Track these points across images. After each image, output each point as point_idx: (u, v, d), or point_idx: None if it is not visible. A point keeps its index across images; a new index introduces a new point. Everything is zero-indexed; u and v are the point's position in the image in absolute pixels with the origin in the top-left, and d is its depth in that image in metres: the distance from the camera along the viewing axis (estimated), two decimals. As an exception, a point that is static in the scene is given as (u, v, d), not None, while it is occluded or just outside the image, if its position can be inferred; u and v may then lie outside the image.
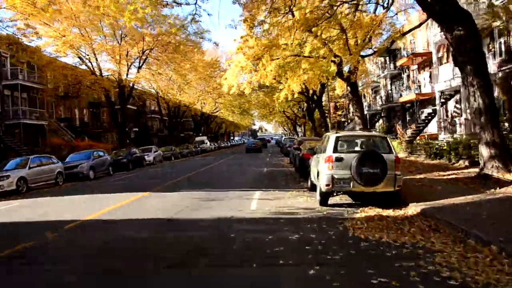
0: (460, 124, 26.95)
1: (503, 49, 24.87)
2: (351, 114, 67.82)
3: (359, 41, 21.62)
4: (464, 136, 23.09)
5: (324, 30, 21.16)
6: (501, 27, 22.03)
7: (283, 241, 7.36)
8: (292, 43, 19.63)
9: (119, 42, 40.72)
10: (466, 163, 16.98)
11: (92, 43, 38.13)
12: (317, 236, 7.63)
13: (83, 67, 40.84)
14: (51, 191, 18.58)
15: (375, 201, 10.69)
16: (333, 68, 24.41)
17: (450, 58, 31.64)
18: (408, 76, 42.62)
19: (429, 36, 35.73)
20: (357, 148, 11.28)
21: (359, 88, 36.01)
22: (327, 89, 44.69)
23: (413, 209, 9.79)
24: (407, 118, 43.49)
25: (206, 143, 68.23)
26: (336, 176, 10.16)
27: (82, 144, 38.21)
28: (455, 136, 25.32)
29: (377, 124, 53.24)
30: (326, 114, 48.07)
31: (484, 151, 12.54)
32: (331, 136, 10.85)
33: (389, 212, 9.69)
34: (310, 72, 24.97)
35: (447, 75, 28.53)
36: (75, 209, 12.37)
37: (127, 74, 42.21)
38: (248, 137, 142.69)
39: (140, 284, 5.64)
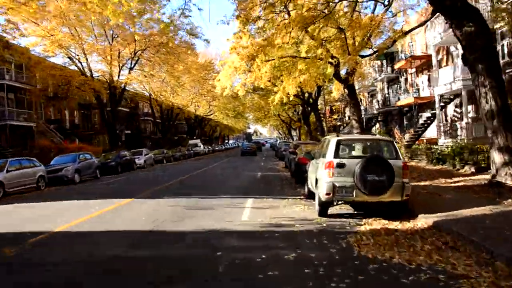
0: (461, 128, 25.98)
1: (505, 51, 24.02)
2: (347, 118, 67.16)
3: (357, 42, 20.69)
4: (466, 141, 22.19)
5: (321, 29, 20.25)
6: (505, 29, 21.17)
7: (278, 262, 6.28)
8: (288, 42, 18.61)
9: (110, 43, 39.57)
10: (472, 169, 16.00)
11: (82, 43, 36.99)
12: (317, 255, 6.56)
13: (74, 68, 39.65)
14: (30, 197, 17.40)
15: (379, 211, 9.67)
16: (330, 70, 23.48)
17: (450, 61, 30.86)
18: (406, 79, 41.74)
19: (428, 39, 34.88)
20: (361, 153, 10.22)
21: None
22: (323, 92, 43.75)
23: (423, 221, 8.76)
24: (405, 122, 42.59)
25: (200, 146, 67.18)
26: (337, 184, 9.11)
27: (71, 146, 36.94)
28: (456, 141, 24.42)
29: (373, 128, 52.29)
30: (322, 118, 47.11)
31: (497, 157, 11.55)
32: (332, 139, 9.80)
33: (397, 225, 8.66)
34: (306, 74, 24.01)
35: (447, 78, 27.58)
36: (48, 218, 11.22)
37: (118, 75, 41.07)
38: (242, 140, 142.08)
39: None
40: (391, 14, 22.64)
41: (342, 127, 65.16)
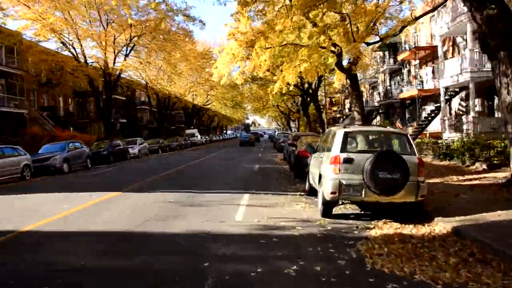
0: (468, 122, 24.93)
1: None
2: (346, 110, 66.08)
3: (360, 30, 19.55)
4: (472, 136, 21.15)
5: (324, 14, 19.12)
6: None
7: (276, 277, 5.24)
8: (290, 26, 17.46)
9: (105, 28, 38.22)
10: (484, 166, 14.98)
11: (76, 28, 35.64)
12: (323, 268, 5.51)
13: (67, 53, 38.31)
14: (12, 187, 16.33)
15: (389, 212, 8.65)
16: (331, 60, 22.42)
17: (456, 53, 29.72)
18: (409, 71, 40.61)
19: (433, 29, 33.73)
20: (371, 148, 9.12)
21: (357, 83, 33.99)
22: (324, 83, 42.59)
23: (440, 225, 7.73)
24: (407, 115, 41.52)
25: (197, 136, 66.05)
26: (344, 182, 8.05)
27: (63, 134, 35.70)
28: (463, 135, 23.42)
29: (374, 121, 51.22)
30: (322, 109, 45.98)
31: (518, 154, 10.50)
32: (338, 131, 8.72)
33: (411, 229, 7.63)
34: (307, 63, 22.91)
35: (454, 70, 26.47)
36: (20, 214, 10.16)
37: (114, 62, 39.76)
38: (241, 131, 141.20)
39: None
40: (398, 1, 21.53)
41: (342, 119, 64.10)
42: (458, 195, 10.19)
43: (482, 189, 11.02)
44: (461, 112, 29.85)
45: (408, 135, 8.75)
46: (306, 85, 42.41)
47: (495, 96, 23.43)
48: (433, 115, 32.61)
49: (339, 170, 8.13)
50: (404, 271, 5.36)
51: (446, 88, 29.03)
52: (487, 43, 10.78)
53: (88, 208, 10.57)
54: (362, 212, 9.45)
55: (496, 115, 24.65)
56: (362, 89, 54.01)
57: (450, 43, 30.80)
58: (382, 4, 19.18)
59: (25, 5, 31.27)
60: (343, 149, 8.30)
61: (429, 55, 34.72)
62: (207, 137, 78.63)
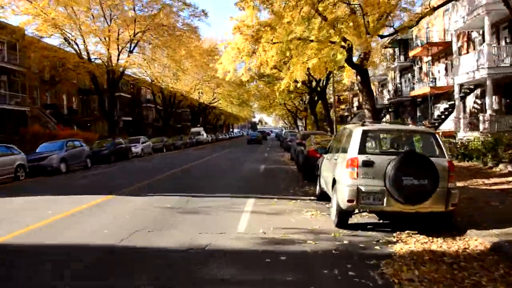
0: (485, 121, 23.70)
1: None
2: (355, 109, 64.84)
3: (371, 24, 18.45)
4: (490, 135, 19.96)
5: (334, 6, 18.05)
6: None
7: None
8: (298, 17, 16.39)
9: (109, 23, 37.28)
10: (509, 167, 13.78)
11: (79, 23, 34.67)
12: (343, 300, 4.45)
13: (70, 50, 37.35)
14: (2, 189, 15.35)
15: (411, 220, 7.57)
16: (340, 56, 21.38)
17: (471, 48, 28.47)
18: (421, 68, 39.34)
19: (446, 24, 32.50)
20: (393, 149, 7.99)
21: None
22: (332, 80, 41.38)
23: (475, 240, 6.63)
24: (418, 114, 40.24)
25: (203, 134, 65.03)
26: (363, 189, 6.96)
27: (64, 132, 34.85)
28: (477, 134, 22.25)
29: (383, 120, 49.99)
30: (330, 107, 44.78)
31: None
32: (356, 129, 7.61)
33: (440, 244, 6.55)
34: (316, 58, 21.86)
35: (470, 66, 25.25)
36: (0, 221, 9.17)
37: (118, 59, 38.80)
38: (247, 129, 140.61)
39: None
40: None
41: (349, 117, 62.93)
42: (489, 202, 9.06)
43: (515, 194, 9.88)
44: (475, 110, 28.64)
45: (436, 135, 7.62)
46: (314, 83, 41.29)
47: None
48: (446, 113, 31.43)
49: (357, 174, 7.04)
50: (446, 306, 4.28)
51: (461, 85, 27.84)
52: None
53: (74, 214, 9.53)
54: (381, 221, 8.36)
55: (515, 113, 23.50)
56: (371, 86, 52.81)
57: (465, 39, 29.57)
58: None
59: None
60: (362, 150, 7.20)
61: (442, 51, 33.51)
62: (213, 135, 77.71)
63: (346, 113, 68.24)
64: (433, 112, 34.44)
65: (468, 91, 29.02)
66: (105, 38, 36.40)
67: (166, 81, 49.70)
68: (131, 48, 40.21)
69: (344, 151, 7.73)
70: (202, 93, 64.29)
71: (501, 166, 14.36)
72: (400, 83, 44.50)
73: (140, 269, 5.65)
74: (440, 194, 6.88)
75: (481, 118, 24.85)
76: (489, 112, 23.55)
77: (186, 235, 7.27)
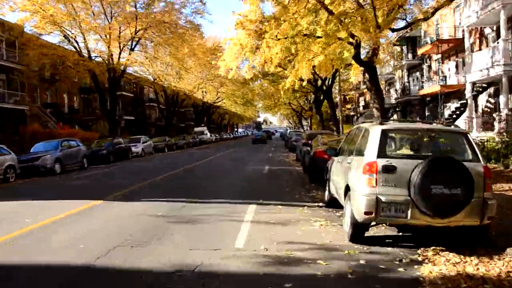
0: (500, 120, 22.56)
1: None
2: (361, 108, 63.67)
3: (379, 19, 17.42)
4: (506, 135, 18.84)
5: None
6: None
7: None
8: (304, 10, 15.40)
9: (109, 20, 36.36)
10: (534, 171, 12.68)
11: (79, 20, 33.75)
12: None
13: (70, 47, 36.45)
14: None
15: (436, 233, 6.50)
16: (347, 54, 20.42)
17: (484, 45, 27.30)
18: (430, 66, 38.17)
19: (457, 21, 31.31)
20: (418, 152, 6.75)
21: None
22: (338, 79, 40.27)
23: (518, 260, 5.56)
24: (427, 113, 39.04)
25: (206, 134, 64.17)
26: (383, 199, 5.89)
27: (64, 132, 34.00)
28: (492, 134, 21.15)
29: (391, 119, 48.85)
30: (336, 107, 43.66)
31: None
32: (373, 128, 6.51)
33: (476, 265, 5.48)
34: (322, 56, 20.86)
35: (484, 63, 24.13)
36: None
37: (119, 57, 37.86)
38: (252, 129, 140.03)
39: None
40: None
41: (355, 117, 61.86)
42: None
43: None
44: (488, 110, 27.49)
45: (469, 135, 6.50)
46: (319, 82, 40.24)
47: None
48: (458, 112, 30.29)
49: (375, 182, 5.95)
50: None
51: (473, 84, 26.71)
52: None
53: (55, 222, 8.51)
54: (400, 233, 7.29)
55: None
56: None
57: (477, 35, 28.40)
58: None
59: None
60: (382, 153, 6.10)
61: (452, 49, 32.30)
62: (217, 135, 76.84)
63: (352, 113, 67.15)
64: (443, 111, 33.26)
65: (480, 89, 27.88)
66: (105, 36, 35.58)
67: (169, 80, 48.76)
68: (133, 46, 39.34)
69: (359, 153, 6.65)
70: (205, 92, 63.37)
71: (524, 169, 13.26)
72: (408, 82, 43.35)
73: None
74: (475, 205, 5.80)
75: (496, 117, 23.72)
76: (505, 111, 22.44)
77: (175, 251, 6.21)
